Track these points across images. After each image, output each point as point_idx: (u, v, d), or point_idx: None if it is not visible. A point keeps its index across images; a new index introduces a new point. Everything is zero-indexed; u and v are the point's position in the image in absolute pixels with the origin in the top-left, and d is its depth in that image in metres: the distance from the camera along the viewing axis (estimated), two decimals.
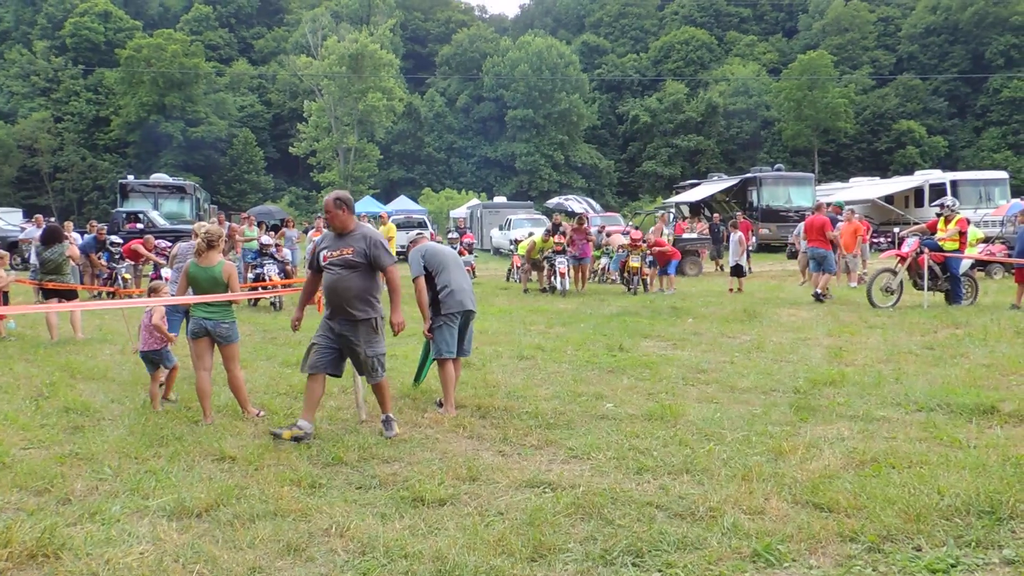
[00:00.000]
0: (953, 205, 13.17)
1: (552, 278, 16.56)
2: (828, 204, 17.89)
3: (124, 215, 26.30)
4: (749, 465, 4.73)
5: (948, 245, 12.63)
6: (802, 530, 3.79)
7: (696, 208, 35.15)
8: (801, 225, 18.73)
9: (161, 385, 6.77)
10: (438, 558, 3.58)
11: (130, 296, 13.78)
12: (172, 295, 7.17)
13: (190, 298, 6.35)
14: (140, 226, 24.62)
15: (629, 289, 16.42)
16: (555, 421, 5.96)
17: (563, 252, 16.43)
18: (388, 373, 7.85)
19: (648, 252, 16.74)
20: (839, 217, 17.01)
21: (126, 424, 6.06)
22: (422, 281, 6.42)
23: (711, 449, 5.12)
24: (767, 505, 4.12)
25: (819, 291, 13.94)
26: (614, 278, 18.72)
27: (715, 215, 27.41)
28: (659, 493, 4.36)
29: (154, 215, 26.62)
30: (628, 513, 4.07)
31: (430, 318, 6.43)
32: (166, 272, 11.56)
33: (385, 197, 49.95)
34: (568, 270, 16.40)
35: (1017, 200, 27.45)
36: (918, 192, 32.47)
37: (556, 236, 16.66)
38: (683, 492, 4.35)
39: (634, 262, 16.39)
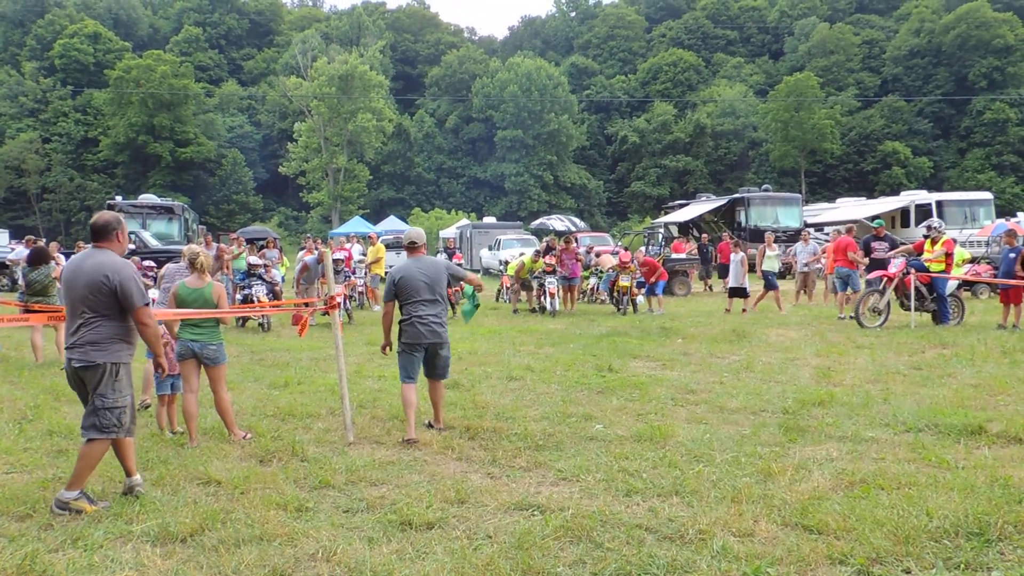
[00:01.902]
0: (940, 227, 13.30)
1: (541, 298, 16.56)
2: (870, 221, 17.20)
3: None
4: (738, 487, 4.72)
5: (934, 266, 12.75)
6: (792, 553, 3.78)
7: (685, 228, 35.37)
8: (798, 244, 18.92)
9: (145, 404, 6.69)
10: None
11: None
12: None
13: (180, 312, 6.31)
14: (132, 247, 24.50)
15: (619, 309, 16.43)
16: (544, 442, 5.94)
17: (553, 272, 16.44)
18: (378, 394, 7.87)
19: (638, 272, 16.77)
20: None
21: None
22: (389, 306, 6.59)
23: (700, 471, 5.11)
24: (756, 527, 4.10)
25: (844, 315, 14.11)
26: (603, 298, 18.73)
27: (703, 235, 27.52)
28: (648, 516, 4.34)
29: (146, 235, 26.48)
30: (617, 536, 4.04)
31: (389, 343, 6.62)
32: (153, 293, 11.46)
33: (375, 217, 49.93)
34: (557, 290, 16.41)
35: (1002, 220, 27.79)
36: (904, 212, 32.79)
37: (546, 256, 16.68)
38: (672, 514, 4.33)
39: (624, 282, 16.41)
